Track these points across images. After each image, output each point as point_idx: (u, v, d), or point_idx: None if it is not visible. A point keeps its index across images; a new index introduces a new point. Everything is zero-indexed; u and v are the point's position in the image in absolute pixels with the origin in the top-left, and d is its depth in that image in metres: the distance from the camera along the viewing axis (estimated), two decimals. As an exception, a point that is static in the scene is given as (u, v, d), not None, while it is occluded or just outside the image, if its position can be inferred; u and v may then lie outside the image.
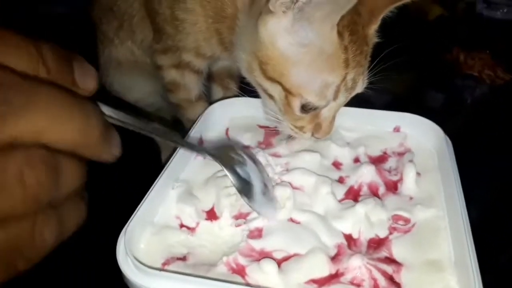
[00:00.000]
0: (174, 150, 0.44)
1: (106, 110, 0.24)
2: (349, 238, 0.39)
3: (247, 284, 0.34)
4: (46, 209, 0.20)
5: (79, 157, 0.21)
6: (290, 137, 0.50)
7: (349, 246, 0.38)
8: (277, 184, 0.43)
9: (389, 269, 0.36)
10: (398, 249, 0.38)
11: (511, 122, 0.78)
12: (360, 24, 0.45)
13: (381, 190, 0.44)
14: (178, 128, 0.67)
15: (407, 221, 0.41)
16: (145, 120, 0.29)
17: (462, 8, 1.20)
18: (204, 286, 0.32)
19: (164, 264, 0.36)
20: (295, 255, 0.37)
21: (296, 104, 0.46)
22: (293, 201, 0.41)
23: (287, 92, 0.45)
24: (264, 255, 0.37)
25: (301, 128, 0.48)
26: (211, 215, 0.41)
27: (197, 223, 0.40)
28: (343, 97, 0.46)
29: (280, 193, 0.41)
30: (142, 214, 0.37)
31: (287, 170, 0.45)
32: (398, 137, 0.51)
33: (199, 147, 0.38)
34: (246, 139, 0.52)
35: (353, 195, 0.44)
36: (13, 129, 0.18)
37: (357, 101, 0.50)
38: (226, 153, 0.41)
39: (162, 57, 0.61)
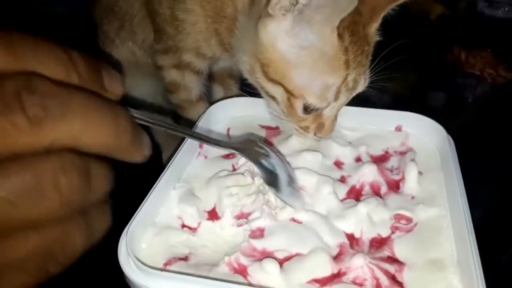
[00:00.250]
0: (176, 150, 0.44)
1: (134, 113, 0.25)
2: (351, 237, 0.39)
3: (249, 284, 0.34)
4: (78, 215, 0.21)
5: (107, 161, 0.22)
6: (289, 137, 0.50)
7: (351, 246, 0.38)
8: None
9: (391, 268, 0.36)
10: (400, 248, 0.38)
11: (513, 120, 0.78)
12: (360, 24, 0.45)
13: (383, 189, 0.44)
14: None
15: (409, 220, 0.41)
16: (168, 119, 0.31)
17: (464, 7, 1.20)
18: (206, 286, 0.32)
19: (165, 264, 0.36)
20: (297, 254, 0.37)
21: (298, 105, 0.46)
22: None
23: (289, 94, 0.45)
24: (266, 255, 0.36)
25: (305, 129, 0.48)
26: (213, 215, 0.41)
27: (199, 223, 0.40)
28: (344, 97, 0.46)
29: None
30: (144, 215, 0.37)
31: (289, 170, 0.45)
32: (400, 136, 0.51)
33: (224, 143, 0.39)
34: (248, 139, 0.52)
35: (355, 195, 0.44)
36: (50, 134, 0.18)
37: (359, 101, 0.50)
38: (251, 147, 0.41)
39: (162, 58, 0.61)
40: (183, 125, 0.64)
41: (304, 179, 0.43)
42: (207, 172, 0.45)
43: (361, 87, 0.47)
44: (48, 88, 0.19)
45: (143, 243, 0.37)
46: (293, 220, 0.40)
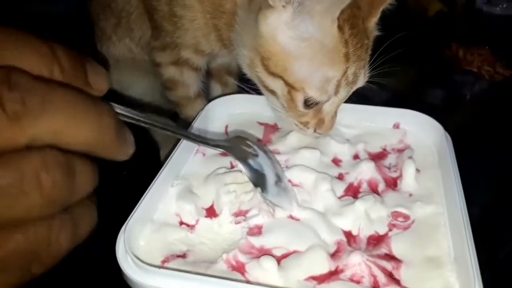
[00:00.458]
0: (174, 147, 0.44)
1: (118, 109, 0.24)
2: (348, 235, 0.39)
3: (247, 281, 0.34)
4: (62, 213, 0.20)
5: (92, 159, 0.21)
6: (287, 134, 0.50)
7: (348, 243, 0.38)
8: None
9: (388, 265, 0.36)
10: (397, 245, 0.38)
11: (511, 118, 0.78)
12: (360, 18, 0.45)
13: (381, 186, 0.44)
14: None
15: (406, 217, 0.41)
16: (156, 117, 0.29)
17: (462, 4, 1.20)
18: (204, 283, 0.32)
19: (163, 261, 0.36)
20: (294, 252, 0.37)
21: (299, 99, 0.45)
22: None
23: (290, 87, 0.45)
24: (264, 252, 0.37)
25: (305, 124, 0.48)
26: (211, 212, 0.41)
27: (197, 221, 0.40)
28: (345, 92, 0.46)
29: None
30: (142, 212, 0.37)
31: (287, 167, 0.45)
32: (398, 134, 0.51)
33: (213, 141, 0.39)
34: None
35: (353, 192, 0.44)
36: (30, 130, 0.18)
37: (357, 98, 0.50)
38: (238, 146, 0.41)
39: (160, 54, 0.61)
40: (181, 123, 0.64)
41: (302, 177, 0.44)
42: (205, 169, 0.45)
43: (361, 82, 0.47)
44: (28, 83, 0.18)
45: (141, 240, 0.37)
46: (291, 217, 0.40)
